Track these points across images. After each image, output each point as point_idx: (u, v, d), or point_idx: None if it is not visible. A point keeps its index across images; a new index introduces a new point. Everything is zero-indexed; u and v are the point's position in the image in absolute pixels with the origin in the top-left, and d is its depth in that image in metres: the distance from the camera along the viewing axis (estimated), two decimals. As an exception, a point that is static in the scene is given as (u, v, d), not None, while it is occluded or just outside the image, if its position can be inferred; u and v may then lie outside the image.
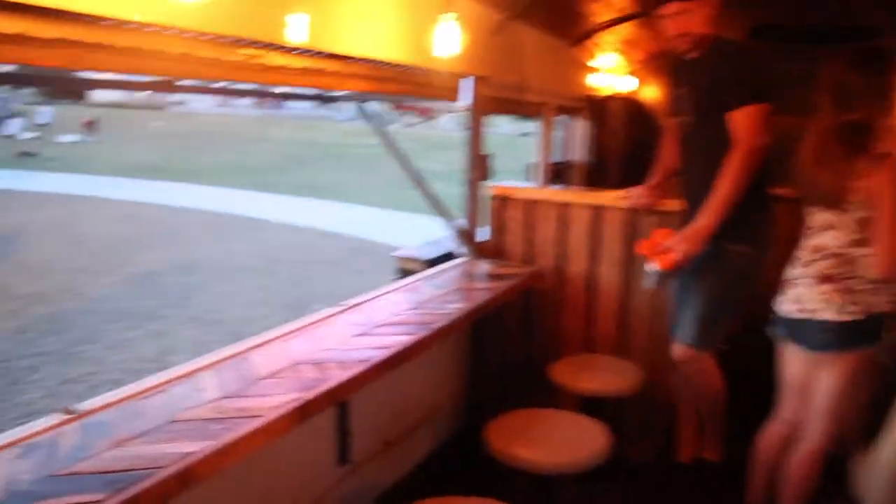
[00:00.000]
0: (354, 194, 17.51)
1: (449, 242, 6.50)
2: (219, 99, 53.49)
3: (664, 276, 2.83)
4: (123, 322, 7.90)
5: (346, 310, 2.68)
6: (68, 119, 31.16)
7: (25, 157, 22.34)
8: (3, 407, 5.64)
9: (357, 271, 10.51)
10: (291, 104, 52.23)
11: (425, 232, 10.63)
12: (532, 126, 4.86)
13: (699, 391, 3.12)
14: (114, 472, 1.44)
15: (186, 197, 16.45)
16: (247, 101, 53.26)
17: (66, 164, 21.37)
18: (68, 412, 1.71)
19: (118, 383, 6.35)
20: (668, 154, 3.19)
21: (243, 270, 10.41)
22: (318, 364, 2.06)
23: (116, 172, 19.83)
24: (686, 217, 2.90)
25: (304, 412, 1.79)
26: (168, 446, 1.54)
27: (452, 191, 3.81)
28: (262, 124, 39.15)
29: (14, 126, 26.59)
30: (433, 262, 6.32)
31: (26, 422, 1.60)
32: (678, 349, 2.97)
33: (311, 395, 1.83)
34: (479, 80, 3.50)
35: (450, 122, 44.97)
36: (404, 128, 35.50)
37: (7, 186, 16.79)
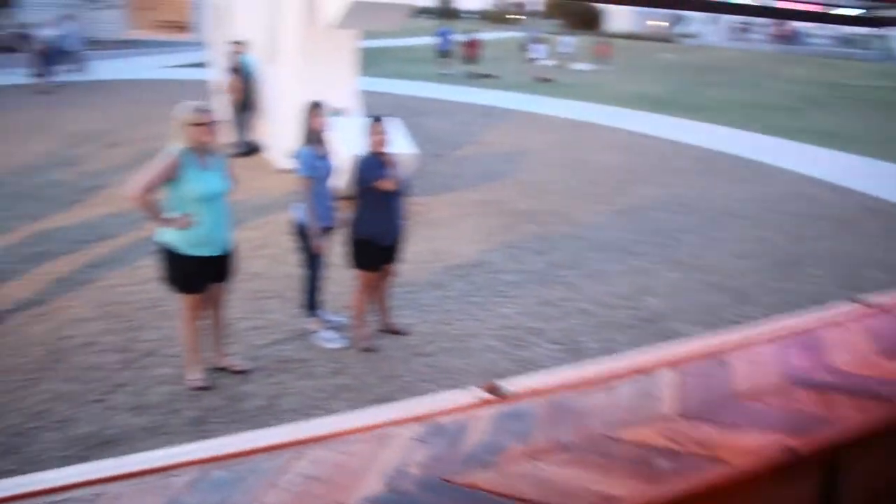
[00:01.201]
0: (871, 144, 15.14)
1: None
2: (733, 32, 51.31)
3: None
4: (606, 253, 7.88)
5: (874, 308, 1.90)
6: (585, 49, 32.87)
7: (542, 83, 24.13)
8: (482, 313, 6.00)
9: (871, 235, 8.98)
10: (812, 39, 47.62)
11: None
12: None
13: None
14: (519, 499, 1.07)
15: (686, 132, 15.95)
16: (762, 35, 50.15)
17: (576, 91, 22.46)
18: (490, 390, 1.40)
19: (586, 313, 6.23)
20: None
21: (736, 216, 9.66)
22: (819, 391, 1.42)
23: (620, 102, 20.18)
24: None
25: (785, 467, 1.22)
26: (591, 476, 1.12)
27: None
28: (777, 60, 36.49)
29: (538, 51, 28.80)
30: None
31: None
32: None
33: (800, 442, 1.24)
34: None
35: None
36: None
37: (522, 108, 18.27)
